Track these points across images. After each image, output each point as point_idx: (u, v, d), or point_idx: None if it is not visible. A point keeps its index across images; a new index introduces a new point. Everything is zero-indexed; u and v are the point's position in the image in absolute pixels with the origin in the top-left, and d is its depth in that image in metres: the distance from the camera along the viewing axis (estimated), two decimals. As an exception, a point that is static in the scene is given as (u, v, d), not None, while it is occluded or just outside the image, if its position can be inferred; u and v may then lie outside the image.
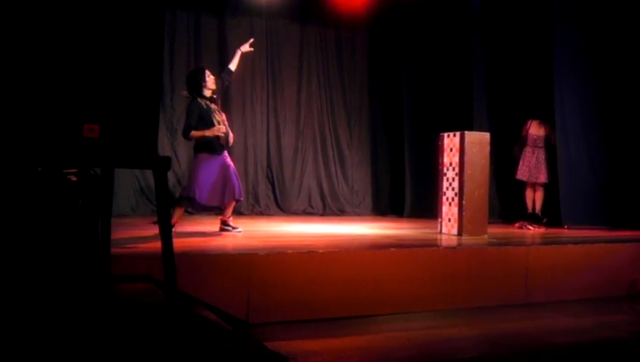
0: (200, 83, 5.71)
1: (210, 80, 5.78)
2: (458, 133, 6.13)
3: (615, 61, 7.48)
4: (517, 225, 7.56)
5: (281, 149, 9.65)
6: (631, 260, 5.47)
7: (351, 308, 4.34)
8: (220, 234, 5.72)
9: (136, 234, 5.43)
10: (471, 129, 7.23)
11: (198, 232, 5.88)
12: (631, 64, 7.42)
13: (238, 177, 5.89)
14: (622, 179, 7.43)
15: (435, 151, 6.65)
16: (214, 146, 5.67)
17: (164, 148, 8.70)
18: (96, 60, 2.82)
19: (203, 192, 5.52)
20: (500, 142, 8.20)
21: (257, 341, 3.39)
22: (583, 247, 5.40)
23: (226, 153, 5.81)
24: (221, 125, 5.68)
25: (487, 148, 6.15)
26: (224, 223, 5.88)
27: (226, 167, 5.72)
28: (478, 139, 6.13)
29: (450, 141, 6.23)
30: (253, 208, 9.15)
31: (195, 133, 5.62)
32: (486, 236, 6.02)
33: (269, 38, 9.62)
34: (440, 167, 6.40)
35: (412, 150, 9.55)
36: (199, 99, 5.69)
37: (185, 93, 5.86)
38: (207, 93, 5.76)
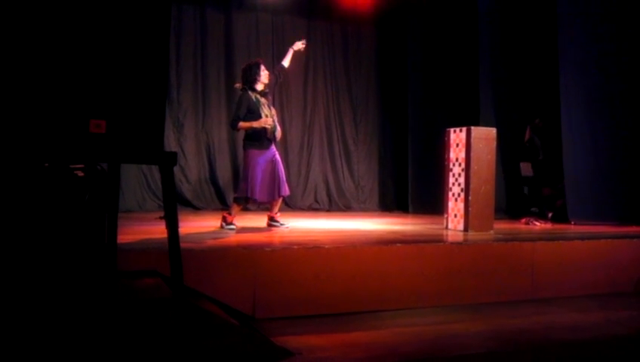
0: (254, 76, 5.86)
1: (264, 74, 5.92)
2: (464, 129, 6.11)
3: (621, 55, 7.43)
4: (523, 220, 7.55)
5: (287, 145, 9.65)
6: (638, 256, 5.44)
7: (357, 304, 4.34)
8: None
9: (143, 229, 5.45)
10: (477, 124, 7.21)
11: (204, 228, 5.90)
12: (637, 57, 7.37)
13: (284, 172, 6.07)
14: (629, 175, 7.39)
15: (440, 147, 6.64)
16: (262, 141, 5.82)
17: (170, 144, 8.72)
18: (103, 56, 2.82)
19: (256, 191, 5.71)
20: (506, 137, 8.20)
21: (263, 336, 3.39)
22: (589, 243, 5.37)
23: (273, 147, 5.94)
24: (268, 118, 5.82)
25: (494, 144, 6.13)
26: (272, 219, 6.10)
27: (274, 162, 5.86)
28: (485, 135, 6.10)
29: (457, 136, 6.21)
30: (259, 204, 9.16)
31: (242, 124, 5.79)
32: (492, 232, 6.01)
33: (274, 33, 9.62)
34: (446, 163, 6.38)
35: (417, 145, 9.53)
36: (250, 92, 5.84)
37: (237, 85, 6.05)
38: (259, 87, 5.91)
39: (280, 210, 6.20)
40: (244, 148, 5.91)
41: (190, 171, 9.04)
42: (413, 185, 9.60)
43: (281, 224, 6.07)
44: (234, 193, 6.06)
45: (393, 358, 3.28)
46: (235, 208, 5.88)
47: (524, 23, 8.52)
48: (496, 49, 8.48)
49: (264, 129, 5.79)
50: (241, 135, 9.17)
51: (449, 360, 3.35)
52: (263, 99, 5.88)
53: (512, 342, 3.73)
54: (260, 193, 5.75)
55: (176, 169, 8.12)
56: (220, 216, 5.97)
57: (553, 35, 7.61)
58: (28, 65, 2.68)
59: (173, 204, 3.12)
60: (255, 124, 5.76)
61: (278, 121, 6.04)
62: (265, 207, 9.12)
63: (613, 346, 3.80)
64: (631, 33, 7.32)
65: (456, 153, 6.21)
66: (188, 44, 9.03)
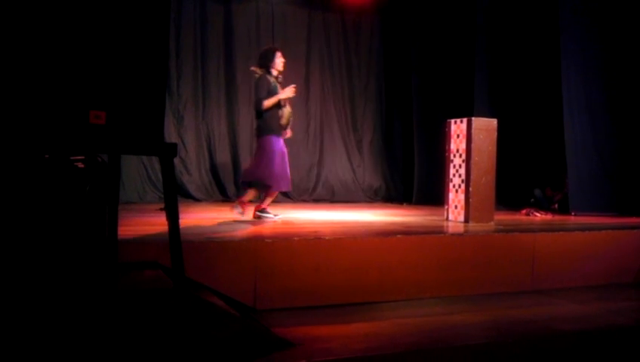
0: (270, 61, 5.91)
1: (279, 61, 5.95)
2: (465, 120, 6.10)
3: (623, 47, 7.41)
4: (524, 211, 7.55)
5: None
6: (638, 247, 5.45)
7: (357, 295, 4.35)
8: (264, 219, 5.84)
9: (144, 221, 5.46)
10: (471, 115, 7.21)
11: (204, 219, 5.90)
12: (639, 49, 7.35)
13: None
14: (630, 166, 7.40)
15: (443, 138, 6.63)
16: (278, 127, 5.85)
17: (170, 135, 8.72)
18: (103, 47, 2.81)
19: (280, 180, 5.78)
20: (505, 128, 8.20)
21: (264, 327, 3.40)
22: (590, 234, 5.37)
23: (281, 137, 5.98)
24: (290, 89, 5.86)
25: (495, 135, 6.12)
26: (262, 211, 6.02)
27: (283, 153, 5.90)
28: (486, 126, 6.09)
29: (457, 127, 6.20)
30: (260, 195, 9.16)
31: (267, 102, 5.77)
32: (493, 223, 6.01)
33: (275, 23, 9.59)
34: (447, 154, 6.37)
35: (421, 136, 9.51)
36: (268, 76, 5.88)
37: (254, 68, 6.05)
38: (274, 72, 5.95)
39: (280, 201, 6.20)
40: (262, 134, 5.86)
41: (190, 163, 9.04)
42: (415, 176, 9.58)
43: (275, 215, 6.01)
44: (248, 181, 5.97)
45: (394, 349, 3.29)
46: (251, 193, 5.97)
47: (525, 10, 8.51)
48: (493, 37, 8.48)
49: (279, 118, 5.81)
50: (242, 126, 9.23)
51: (449, 350, 3.36)
52: (278, 85, 5.94)
53: (511, 332, 3.74)
54: (283, 184, 5.83)
55: (176, 160, 8.11)
56: (219, 208, 5.99)
57: (555, 22, 7.59)
58: (27, 56, 2.67)
59: (173, 196, 3.12)
60: (282, 95, 5.81)
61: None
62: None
63: (614, 337, 3.81)
64: (635, 19, 7.29)
65: (456, 144, 6.20)
66: (188, 35, 9.02)
